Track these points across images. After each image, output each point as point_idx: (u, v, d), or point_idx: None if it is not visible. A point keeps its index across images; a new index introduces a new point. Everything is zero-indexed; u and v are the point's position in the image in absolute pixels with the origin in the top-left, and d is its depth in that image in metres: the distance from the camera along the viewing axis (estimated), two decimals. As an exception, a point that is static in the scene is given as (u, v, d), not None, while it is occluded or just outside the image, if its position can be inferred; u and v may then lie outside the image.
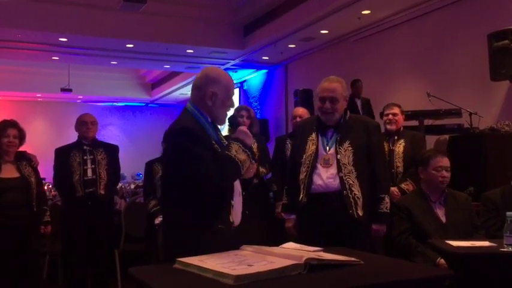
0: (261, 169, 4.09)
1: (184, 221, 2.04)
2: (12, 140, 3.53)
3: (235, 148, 2.03)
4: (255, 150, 2.30)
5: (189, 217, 2.03)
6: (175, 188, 2.07)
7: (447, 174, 2.95)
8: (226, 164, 2.01)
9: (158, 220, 4.01)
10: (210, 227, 2.01)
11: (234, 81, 2.30)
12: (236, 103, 10.84)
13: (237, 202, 2.13)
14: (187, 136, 2.01)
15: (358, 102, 7.08)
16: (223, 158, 2.01)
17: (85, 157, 4.14)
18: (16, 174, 3.52)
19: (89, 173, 4.12)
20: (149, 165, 4.38)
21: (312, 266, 1.48)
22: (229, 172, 2.02)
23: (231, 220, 2.07)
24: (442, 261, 2.66)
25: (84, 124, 4.21)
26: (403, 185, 3.64)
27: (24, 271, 3.48)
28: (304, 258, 1.48)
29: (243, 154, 2.04)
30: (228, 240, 1.97)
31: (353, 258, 1.61)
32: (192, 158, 1.99)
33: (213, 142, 2.08)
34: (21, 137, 3.62)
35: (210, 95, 2.12)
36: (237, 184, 2.15)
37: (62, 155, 4.19)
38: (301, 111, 4.19)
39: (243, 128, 2.15)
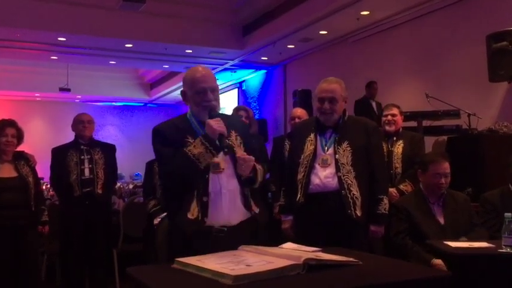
0: None
1: (168, 220, 2.15)
2: (10, 140, 3.52)
3: (196, 142, 2.03)
4: (235, 142, 2.17)
5: (169, 216, 2.14)
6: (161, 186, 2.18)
7: (445, 181, 2.93)
8: (178, 159, 2.03)
9: (157, 220, 4.01)
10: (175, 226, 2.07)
11: (209, 78, 2.16)
12: (235, 103, 10.81)
13: (216, 200, 2.07)
14: (155, 136, 2.16)
15: (374, 105, 6.91)
16: (178, 154, 2.04)
17: (82, 157, 4.14)
18: (14, 174, 3.51)
19: (87, 172, 4.11)
20: (149, 165, 4.38)
21: (310, 266, 1.48)
22: (179, 167, 2.03)
23: (191, 217, 2.04)
24: (437, 261, 2.65)
25: (80, 123, 4.21)
26: (401, 186, 3.63)
27: (22, 271, 3.47)
28: (302, 259, 1.48)
29: (200, 147, 2.01)
30: (219, 240, 1.99)
31: (351, 259, 1.61)
32: (157, 157, 2.19)
33: (189, 140, 2.08)
34: (20, 136, 3.61)
35: (182, 94, 2.21)
36: (221, 181, 2.09)
37: (59, 154, 4.18)
38: (299, 112, 4.19)
39: (209, 120, 2.07)
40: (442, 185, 2.93)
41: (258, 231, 2.19)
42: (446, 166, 2.95)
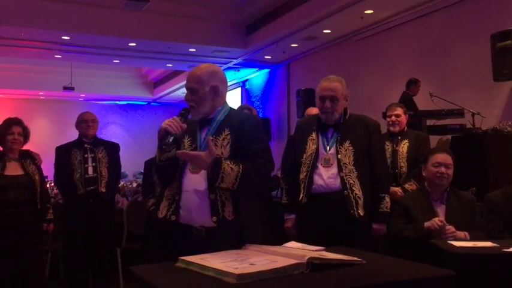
0: None
1: None
2: (16, 138, 3.54)
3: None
4: (220, 142, 2.10)
5: None
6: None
7: (445, 171, 2.87)
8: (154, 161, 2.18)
9: None
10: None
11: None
12: (238, 102, 10.82)
13: (186, 200, 2.05)
14: None
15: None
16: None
17: (86, 155, 4.15)
18: (20, 172, 3.53)
19: (90, 171, 4.12)
20: (148, 164, 4.38)
21: (314, 266, 1.48)
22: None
23: (160, 216, 2.08)
24: (427, 224, 2.68)
25: (84, 122, 4.22)
26: (406, 186, 3.62)
27: (26, 268, 3.49)
28: (306, 258, 1.48)
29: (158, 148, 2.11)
30: (199, 241, 1.98)
31: (355, 258, 1.60)
32: None
33: (184, 141, 2.15)
34: (26, 134, 3.63)
35: None
36: (193, 181, 2.07)
37: (63, 153, 4.19)
38: (314, 111, 4.19)
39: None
40: (443, 174, 2.86)
41: (246, 235, 2.02)
42: (445, 157, 2.90)
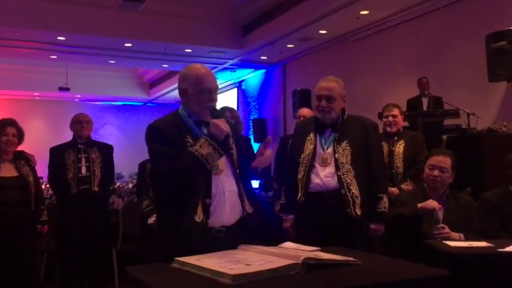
0: None
1: (165, 220, 2.10)
2: (11, 139, 3.53)
3: (201, 142, 1.99)
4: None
5: (166, 217, 2.09)
6: (152, 186, 2.15)
7: (438, 174, 2.87)
8: (184, 159, 1.97)
9: (151, 220, 4.01)
10: (177, 227, 2.01)
11: (208, 76, 2.13)
12: (234, 103, 10.75)
13: (219, 202, 2.05)
14: (152, 135, 2.08)
15: (425, 101, 6.19)
16: (183, 154, 1.98)
17: (79, 155, 4.16)
18: (15, 173, 3.52)
19: (83, 170, 4.13)
20: (142, 165, 4.38)
21: (309, 266, 1.48)
22: (185, 168, 1.97)
23: (198, 220, 2.00)
24: (420, 205, 2.75)
25: (78, 123, 4.24)
26: (403, 186, 3.63)
27: (22, 270, 3.48)
28: (302, 258, 1.48)
29: (208, 147, 1.97)
30: (217, 240, 1.98)
31: (351, 258, 1.61)
32: (153, 156, 2.09)
33: (189, 140, 2.04)
34: (20, 135, 3.62)
35: (181, 92, 2.16)
36: (222, 182, 2.07)
37: (56, 154, 4.20)
38: (306, 111, 4.22)
39: (214, 120, 2.05)
40: (435, 177, 2.87)
41: (250, 230, 2.17)
42: (441, 159, 2.90)
